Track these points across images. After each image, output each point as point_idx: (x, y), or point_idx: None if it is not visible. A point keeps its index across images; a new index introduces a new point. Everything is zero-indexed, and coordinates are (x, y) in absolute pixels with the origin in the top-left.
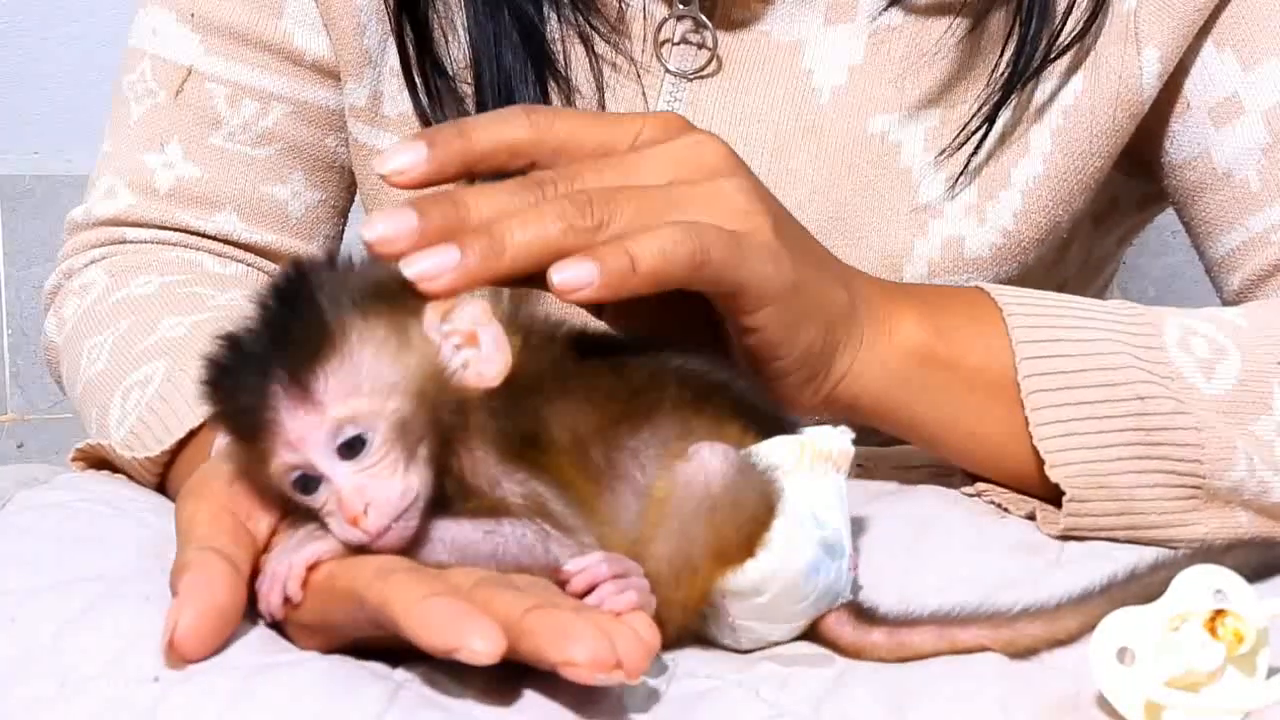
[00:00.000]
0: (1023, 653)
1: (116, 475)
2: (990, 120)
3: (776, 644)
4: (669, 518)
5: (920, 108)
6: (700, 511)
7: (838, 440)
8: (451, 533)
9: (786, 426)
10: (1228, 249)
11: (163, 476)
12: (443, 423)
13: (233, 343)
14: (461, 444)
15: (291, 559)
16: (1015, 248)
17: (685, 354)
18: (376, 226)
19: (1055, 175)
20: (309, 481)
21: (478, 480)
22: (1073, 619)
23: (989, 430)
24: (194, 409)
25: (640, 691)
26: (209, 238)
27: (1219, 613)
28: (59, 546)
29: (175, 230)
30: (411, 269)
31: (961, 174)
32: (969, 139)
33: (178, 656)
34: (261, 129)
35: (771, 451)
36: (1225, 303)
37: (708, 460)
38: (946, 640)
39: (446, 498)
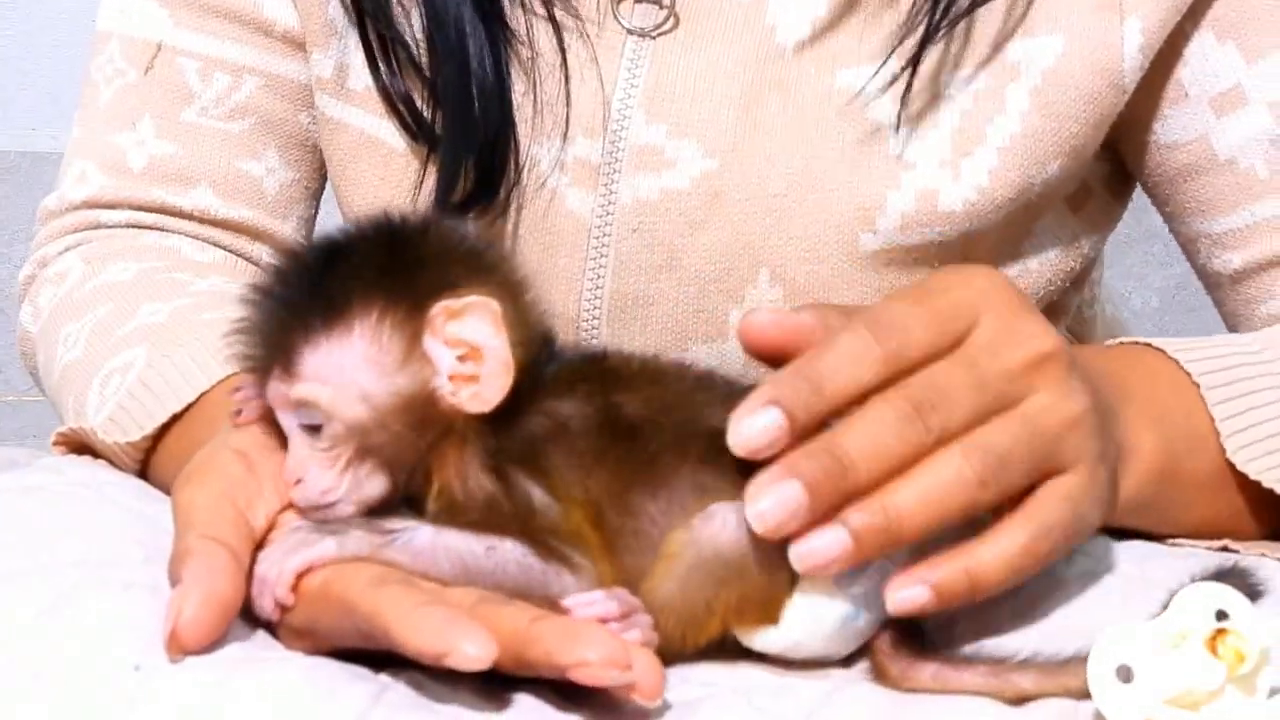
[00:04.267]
0: (1019, 702)
1: (98, 460)
2: (914, 64)
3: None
4: (676, 573)
5: (883, 59)
6: (706, 571)
7: None
8: (455, 543)
9: None
10: (1226, 229)
11: (144, 463)
12: (423, 440)
13: (277, 275)
14: (454, 459)
15: (283, 565)
16: (988, 204)
17: (723, 398)
18: (761, 504)
19: (1032, 135)
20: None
21: (471, 498)
22: (1074, 678)
23: (1222, 518)
24: (176, 394)
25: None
26: (185, 216)
27: (1220, 631)
28: (39, 531)
29: (150, 211)
30: (799, 551)
31: (900, 114)
32: (893, 82)
33: (178, 647)
34: (234, 103)
35: None
36: (1209, 274)
37: (722, 523)
38: (940, 682)
39: (431, 508)
